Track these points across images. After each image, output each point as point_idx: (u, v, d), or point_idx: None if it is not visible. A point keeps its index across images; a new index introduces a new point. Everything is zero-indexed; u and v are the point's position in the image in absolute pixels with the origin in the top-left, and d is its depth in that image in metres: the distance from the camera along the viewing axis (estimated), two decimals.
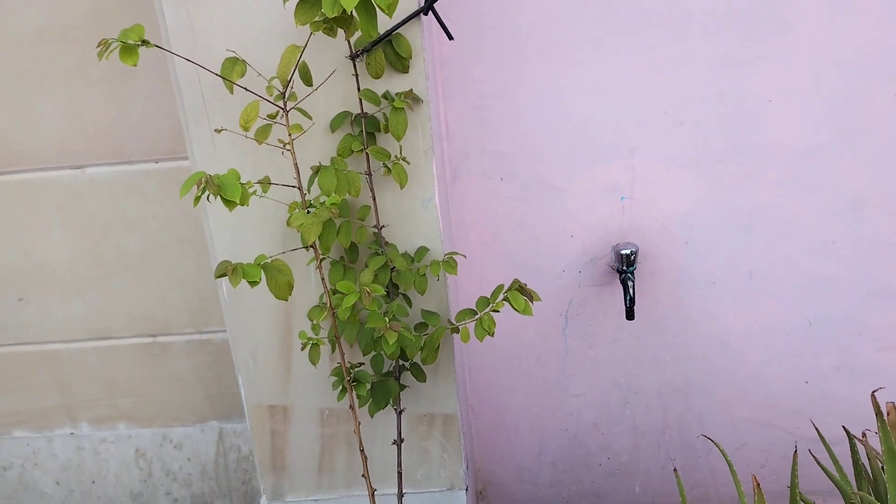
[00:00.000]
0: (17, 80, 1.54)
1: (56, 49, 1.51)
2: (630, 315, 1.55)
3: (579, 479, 1.85)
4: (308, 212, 1.13)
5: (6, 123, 1.57)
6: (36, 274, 1.69)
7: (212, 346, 1.75)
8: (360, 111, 1.25)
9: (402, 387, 1.38)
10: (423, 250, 1.35)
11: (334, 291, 1.26)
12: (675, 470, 1.32)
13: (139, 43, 1.02)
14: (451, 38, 1.24)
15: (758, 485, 1.14)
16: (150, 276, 1.68)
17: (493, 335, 1.26)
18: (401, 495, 1.41)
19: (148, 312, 1.72)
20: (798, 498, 1.26)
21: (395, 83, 1.26)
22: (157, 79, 1.52)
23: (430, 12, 1.21)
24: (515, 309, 1.22)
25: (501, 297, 1.26)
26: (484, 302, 1.28)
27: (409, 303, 1.37)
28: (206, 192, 0.97)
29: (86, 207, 1.63)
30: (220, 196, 0.97)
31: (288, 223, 1.16)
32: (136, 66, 1.01)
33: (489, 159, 1.57)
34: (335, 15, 1.00)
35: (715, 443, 1.33)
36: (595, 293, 1.67)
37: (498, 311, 1.27)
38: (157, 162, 1.59)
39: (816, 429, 1.42)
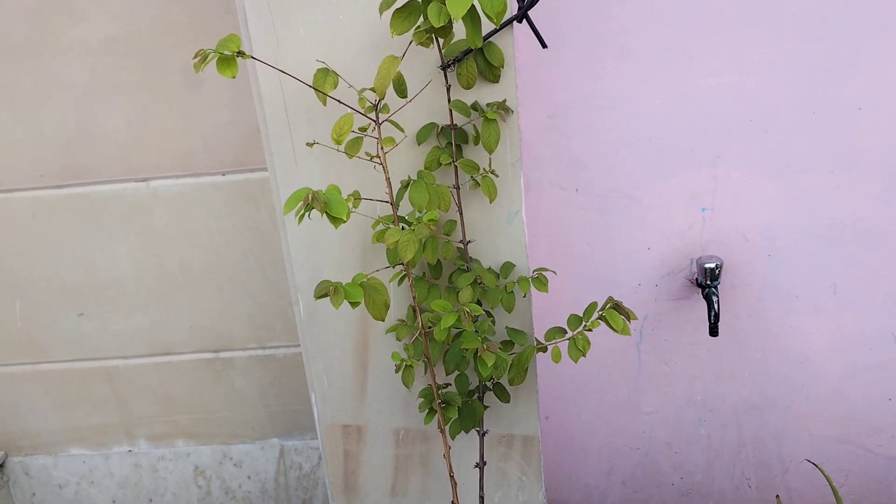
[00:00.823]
0: (83, 91, 1.51)
1: (123, 60, 1.48)
2: (714, 331, 1.50)
3: (649, 499, 1.80)
4: (402, 228, 1.08)
5: (72, 135, 1.54)
6: (98, 288, 1.66)
7: (275, 362, 1.71)
8: (448, 122, 1.21)
9: (485, 407, 1.33)
10: (508, 266, 1.30)
11: (422, 310, 1.21)
12: (777, 497, 1.26)
13: (236, 53, 0.97)
14: (544, 46, 1.19)
15: None
16: (214, 290, 1.65)
17: (586, 355, 1.21)
18: None
19: (211, 327, 1.68)
20: None
21: (484, 93, 1.21)
22: (223, 91, 1.49)
23: (524, 20, 1.16)
24: (613, 328, 1.17)
25: (596, 315, 1.20)
26: (576, 320, 1.23)
27: (493, 321, 1.33)
28: (311, 209, 0.93)
29: (150, 220, 1.59)
30: (326, 212, 0.93)
31: (380, 239, 1.12)
32: (234, 77, 0.97)
33: (564, 169, 1.52)
34: (441, 25, 0.96)
35: (818, 467, 1.27)
36: (672, 307, 1.61)
37: (591, 331, 1.22)
38: (223, 174, 1.55)
39: None
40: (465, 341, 1.13)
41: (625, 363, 1.67)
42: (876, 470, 1.70)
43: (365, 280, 1.05)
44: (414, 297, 1.16)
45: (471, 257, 1.30)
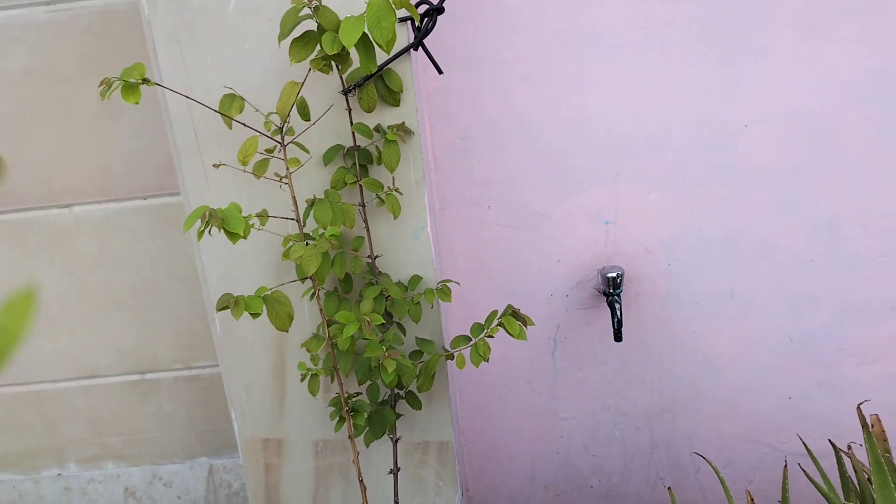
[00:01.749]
0: (5, 121, 1.54)
1: (44, 89, 1.52)
2: (618, 337, 1.58)
3: (571, 502, 1.87)
4: (307, 244, 1.15)
5: None
6: None
7: (201, 382, 1.74)
8: (352, 144, 1.28)
9: (398, 415, 1.38)
10: (416, 279, 1.37)
11: (330, 322, 1.27)
12: (668, 488, 1.34)
13: (140, 81, 1.03)
14: (440, 72, 1.27)
15: (751, 500, 1.17)
16: (140, 312, 1.68)
17: (487, 360, 1.28)
18: None
19: (136, 349, 1.71)
20: None
21: (386, 116, 1.29)
22: (142, 118, 1.54)
23: (420, 48, 1.24)
24: (510, 334, 1.24)
25: (496, 322, 1.28)
26: (478, 328, 1.30)
27: (404, 331, 1.39)
28: (210, 226, 0.99)
29: (74, 245, 1.63)
30: (224, 229, 0.99)
31: (286, 255, 1.18)
32: (137, 103, 1.03)
33: (476, 188, 1.60)
34: (335, 52, 1.03)
35: (707, 460, 1.35)
36: (582, 316, 1.70)
37: (492, 337, 1.29)
38: (145, 199, 1.60)
39: (804, 443, 1.46)
40: (368, 350, 1.19)
41: (542, 371, 1.75)
42: (780, 466, 1.79)
43: (268, 293, 1.11)
44: (321, 310, 1.22)
45: (380, 271, 1.36)
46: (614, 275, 1.58)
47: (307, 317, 1.40)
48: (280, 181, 1.21)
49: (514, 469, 1.84)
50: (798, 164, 1.56)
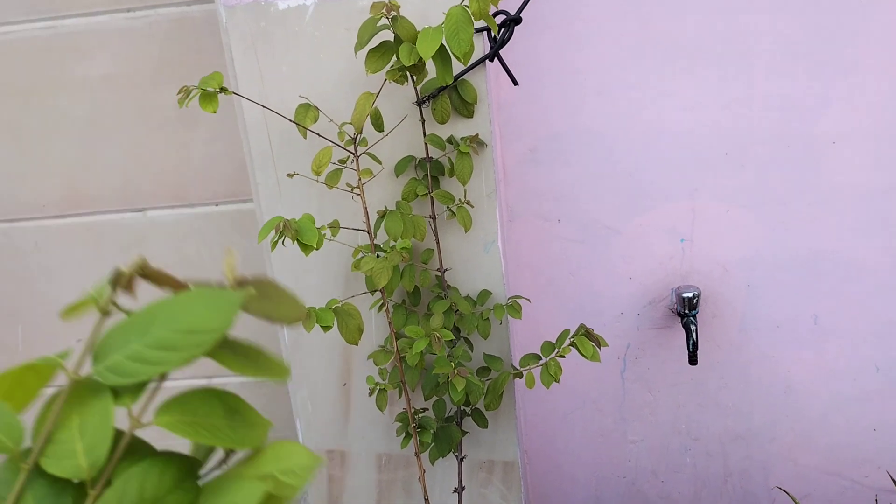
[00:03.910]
0: (84, 125, 1.58)
1: (122, 95, 1.55)
2: (693, 360, 1.52)
3: None
4: (377, 256, 1.13)
5: (73, 167, 1.61)
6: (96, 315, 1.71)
7: (266, 389, 1.75)
8: (424, 155, 1.26)
9: (464, 433, 1.35)
10: (485, 294, 1.34)
11: (398, 336, 1.25)
12: None
13: (218, 90, 1.03)
14: (516, 83, 1.24)
15: None
16: None
17: (558, 381, 1.24)
18: None
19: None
20: None
21: (459, 128, 1.27)
22: (217, 125, 1.55)
23: (496, 58, 1.22)
24: (583, 355, 1.20)
25: (568, 342, 1.24)
26: (549, 347, 1.26)
27: (471, 347, 1.36)
28: (283, 237, 0.98)
29: (147, 249, 1.65)
30: (297, 240, 0.98)
31: (356, 266, 1.16)
32: (215, 112, 1.03)
33: (546, 201, 1.56)
34: (411, 63, 1.01)
35: (790, 494, 1.28)
36: (654, 336, 1.64)
37: (564, 357, 1.25)
38: (217, 205, 1.61)
39: (893, 478, 1.37)
40: (437, 366, 1.17)
41: (609, 392, 1.69)
42: (863, 501, 1.69)
43: (338, 305, 1.09)
44: (390, 323, 1.20)
45: (448, 285, 1.34)
46: (690, 295, 1.52)
47: (374, 329, 1.38)
48: (352, 192, 1.20)
49: (578, 492, 1.78)
50: (887, 184, 1.47)
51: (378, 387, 1.21)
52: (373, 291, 1.26)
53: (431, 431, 1.26)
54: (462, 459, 1.37)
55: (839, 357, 1.60)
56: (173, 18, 1.49)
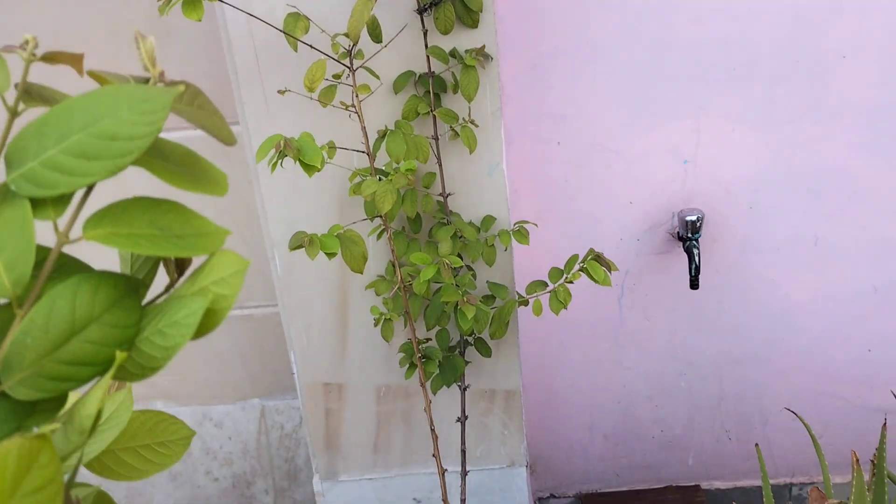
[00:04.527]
0: (49, 41, 1.45)
1: (92, 10, 1.42)
2: (695, 284, 1.49)
3: (631, 453, 1.81)
4: (379, 179, 1.06)
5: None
6: None
7: (253, 322, 1.68)
8: (426, 70, 1.17)
9: (467, 362, 1.31)
10: (489, 219, 1.28)
11: (401, 264, 1.19)
12: (756, 445, 1.27)
13: None
14: None
15: (857, 460, 1.09)
16: None
17: (567, 308, 1.20)
18: (465, 473, 1.35)
19: None
20: (885, 472, 1.21)
21: (462, 40, 1.18)
22: (194, 41, 1.43)
23: None
24: (594, 280, 1.16)
25: (577, 267, 1.19)
26: (557, 273, 1.21)
27: (475, 275, 1.31)
28: (283, 157, 0.90)
29: (123, 177, 1.55)
30: (300, 160, 0.90)
31: (354, 191, 1.09)
32: (200, 20, 0.93)
33: (546, 122, 1.49)
34: None
35: (797, 415, 1.28)
36: (653, 262, 1.60)
37: (572, 283, 1.20)
38: (196, 128, 1.50)
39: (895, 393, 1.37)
40: (445, 294, 1.11)
41: (606, 319, 1.66)
42: (855, 421, 1.72)
43: (342, 231, 1.02)
44: (393, 251, 1.14)
45: (451, 211, 1.27)
46: (694, 218, 1.48)
47: (371, 257, 1.31)
48: (347, 110, 1.11)
49: (573, 417, 1.77)
50: (895, 101, 1.43)
51: (383, 317, 1.16)
52: (372, 218, 1.19)
53: (437, 361, 1.22)
54: (465, 389, 1.34)
55: (838, 279, 1.59)
56: None
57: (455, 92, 1.17)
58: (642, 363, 1.70)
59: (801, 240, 1.56)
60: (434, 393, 1.30)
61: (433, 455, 1.24)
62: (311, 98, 1.11)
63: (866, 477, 1.29)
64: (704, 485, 1.82)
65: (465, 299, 1.09)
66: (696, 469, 1.81)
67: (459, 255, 1.25)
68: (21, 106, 0.43)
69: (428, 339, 1.28)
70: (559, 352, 1.70)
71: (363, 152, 1.13)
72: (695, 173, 1.52)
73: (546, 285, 1.22)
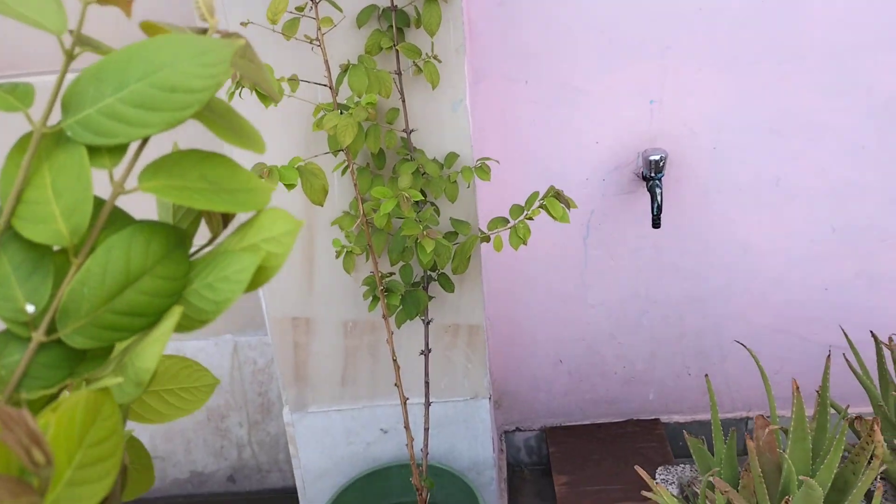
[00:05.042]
0: None
1: None
2: (656, 223, 1.52)
3: (594, 388, 1.87)
4: (341, 113, 1.06)
5: None
6: None
7: None
8: (389, 4, 1.17)
9: (431, 297, 1.34)
10: (452, 156, 1.29)
11: (364, 199, 1.20)
12: (706, 376, 1.32)
13: None
14: None
15: (797, 388, 1.14)
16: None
17: (526, 244, 1.22)
18: (428, 404, 1.40)
19: None
20: (828, 402, 1.27)
21: None
22: None
23: None
24: (553, 216, 1.18)
25: (537, 204, 1.21)
26: (518, 209, 1.23)
27: (438, 212, 1.33)
28: (241, 88, 0.90)
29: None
30: (255, 90, 0.90)
31: (318, 125, 1.09)
32: None
33: (514, 60, 1.49)
34: None
35: (747, 348, 1.32)
36: (619, 202, 1.63)
37: (532, 219, 1.23)
38: None
39: (844, 332, 1.43)
40: (405, 228, 1.13)
41: (572, 257, 1.70)
42: (810, 357, 1.78)
43: (302, 164, 1.04)
44: (356, 186, 1.16)
45: (414, 147, 1.28)
46: (657, 158, 1.50)
47: (337, 194, 1.33)
48: (311, 43, 1.11)
49: (538, 353, 1.82)
50: (859, 42, 1.44)
51: (345, 249, 1.18)
52: (336, 152, 1.20)
53: (399, 294, 1.24)
54: (428, 323, 1.37)
55: (797, 218, 1.63)
56: None
57: (418, 27, 1.17)
58: (606, 301, 1.75)
59: (762, 180, 1.59)
60: (399, 327, 1.33)
61: (395, 385, 1.28)
62: (275, 31, 1.11)
63: (812, 408, 1.35)
64: (664, 418, 1.89)
65: (424, 233, 1.11)
66: (657, 403, 1.88)
67: (423, 192, 1.27)
68: (77, 49, 0.41)
69: (392, 274, 1.30)
70: (525, 290, 1.73)
71: (327, 86, 1.13)
72: (661, 113, 1.54)
73: (507, 222, 1.24)
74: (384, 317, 1.24)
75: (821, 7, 1.42)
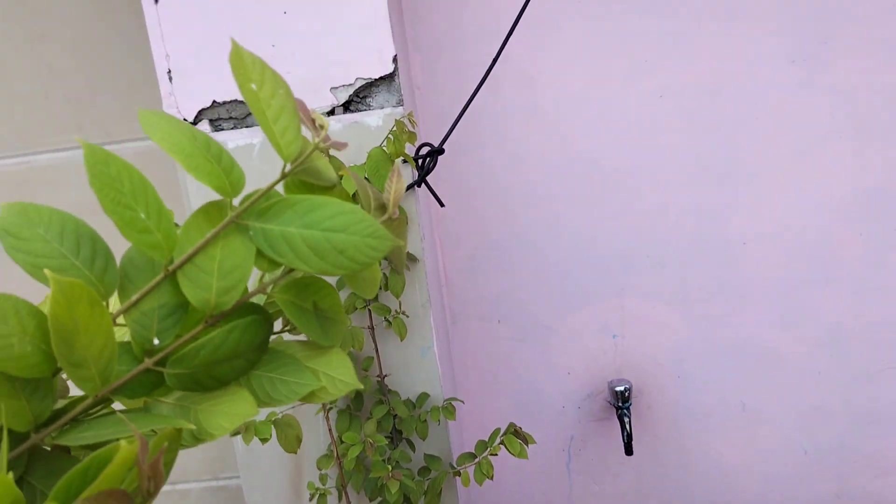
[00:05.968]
0: None
1: (91, 220, 1.68)
2: (629, 451, 1.60)
3: None
4: None
5: None
6: None
7: (227, 493, 1.81)
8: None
9: None
10: (424, 396, 1.44)
11: (341, 441, 1.34)
12: None
13: None
14: (442, 205, 1.38)
15: None
16: None
17: (492, 478, 1.32)
18: None
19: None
20: None
21: None
22: None
23: (424, 184, 1.36)
24: (511, 452, 1.29)
25: (498, 441, 1.33)
26: (482, 446, 1.35)
27: (413, 447, 1.45)
28: None
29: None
30: None
31: None
32: None
33: (486, 304, 1.69)
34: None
35: None
36: (596, 428, 1.73)
37: (496, 455, 1.34)
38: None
39: None
40: (374, 470, 1.25)
41: (557, 483, 1.77)
42: None
43: (278, 417, 1.19)
44: (330, 430, 1.30)
45: (389, 389, 1.43)
46: (622, 388, 1.62)
47: (322, 433, 1.47)
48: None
49: None
50: (798, 280, 1.60)
51: (318, 491, 1.30)
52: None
53: None
54: None
55: (768, 441, 1.70)
56: (139, 151, 1.63)
57: (386, 290, 1.37)
58: None
59: (729, 405, 1.69)
60: None
61: None
62: None
63: None
64: None
65: (390, 475, 1.23)
66: None
67: (398, 430, 1.40)
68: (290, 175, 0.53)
69: None
70: None
71: None
72: (624, 346, 1.69)
73: (475, 457, 1.35)
74: None
75: (754, 251, 1.60)
